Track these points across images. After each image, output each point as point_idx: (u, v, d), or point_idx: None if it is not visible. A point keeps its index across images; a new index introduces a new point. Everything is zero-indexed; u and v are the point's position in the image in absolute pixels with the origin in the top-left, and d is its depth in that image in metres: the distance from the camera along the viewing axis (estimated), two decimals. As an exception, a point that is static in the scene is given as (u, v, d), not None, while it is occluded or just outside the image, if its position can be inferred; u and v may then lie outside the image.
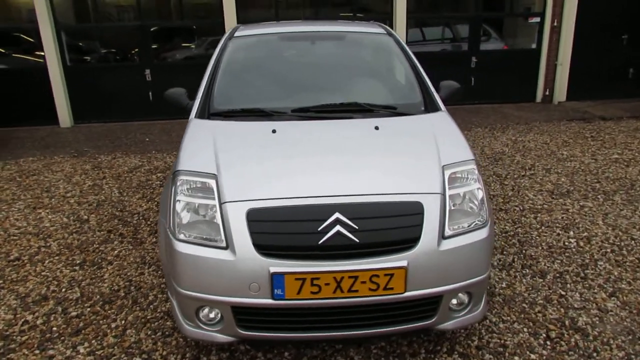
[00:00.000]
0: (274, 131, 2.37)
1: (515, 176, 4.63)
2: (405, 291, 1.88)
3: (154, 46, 7.65)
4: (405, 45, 3.16)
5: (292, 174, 2.07)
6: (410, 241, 1.90)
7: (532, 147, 5.65)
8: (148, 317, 2.53)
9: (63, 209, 4.01)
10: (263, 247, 1.86)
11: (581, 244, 3.24)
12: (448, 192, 2.05)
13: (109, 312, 2.59)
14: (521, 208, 3.86)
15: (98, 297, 2.74)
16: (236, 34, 3.25)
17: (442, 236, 1.95)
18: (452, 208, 2.03)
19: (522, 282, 2.79)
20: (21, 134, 6.84)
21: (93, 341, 2.35)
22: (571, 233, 3.40)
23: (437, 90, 3.01)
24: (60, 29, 7.10)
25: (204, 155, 2.21)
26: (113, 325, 2.48)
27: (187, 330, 2.04)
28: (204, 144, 2.31)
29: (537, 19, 8.20)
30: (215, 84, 2.83)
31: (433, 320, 2.01)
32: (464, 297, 2.05)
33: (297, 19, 7.62)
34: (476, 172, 2.18)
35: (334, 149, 2.23)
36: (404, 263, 1.87)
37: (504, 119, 7.25)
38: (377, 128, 2.40)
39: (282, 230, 1.89)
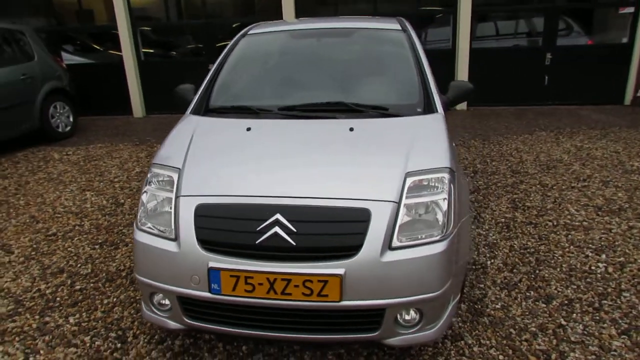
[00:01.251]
0: (248, 129, 2.40)
1: (563, 187, 4.17)
2: (341, 300, 1.81)
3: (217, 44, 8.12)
4: (417, 43, 3.00)
5: (246, 173, 2.09)
6: (350, 249, 1.82)
7: (597, 155, 5.04)
8: (137, 298, 2.71)
9: (106, 193, 4.43)
10: (206, 242, 1.91)
11: (610, 270, 2.84)
12: (405, 201, 1.93)
13: (107, 289, 2.83)
14: (555, 223, 3.48)
15: (104, 274, 2.99)
16: (250, 31, 3.33)
17: (389, 247, 1.84)
18: (410, 218, 1.91)
19: (521, 306, 2.53)
20: (101, 122, 7.64)
21: (84, 314, 2.59)
22: (603, 256, 3.00)
23: (446, 91, 2.84)
24: (135, 29, 7.79)
25: (177, 150, 2.32)
26: (105, 301, 2.70)
27: (144, 313, 2.16)
28: (183, 139, 2.42)
29: (631, 9, 7.25)
30: (217, 81, 2.93)
31: (376, 333, 1.90)
32: (413, 314, 1.92)
33: (360, 14, 7.53)
34: (447, 181, 2.02)
35: (297, 150, 2.21)
36: (340, 271, 1.80)
37: (577, 123, 6.54)
38: (351, 130, 2.32)
39: (224, 227, 1.92)
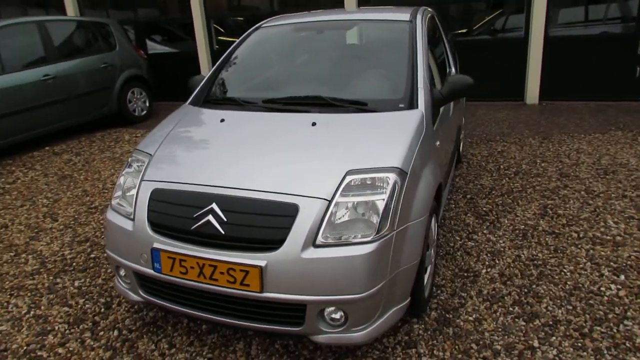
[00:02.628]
0: (222, 120, 2.50)
1: (612, 196, 3.68)
2: (262, 291, 1.85)
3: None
4: (420, 34, 2.84)
5: (200, 162, 2.19)
6: (273, 242, 1.85)
7: (675, 162, 4.34)
8: (135, 270, 2.99)
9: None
10: (154, 224, 2.06)
11: (622, 293, 2.48)
12: (338, 199, 1.89)
13: (116, 259, 3.15)
14: (581, 235, 3.10)
15: (118, 246, 3.33)
16: (265, 24, 3.41)
17: (313, 243, 1.83)
18: (343, 217, 1.87)
19: (497, 321, 2.33)
20: (175, 108, 8.29)
21: (88, 279, 2.92)
22: (621, 278, 2.62)
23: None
24: (209, 18, 8.29)
25: (156, 138, 2.50)
26: (109, 271, 3.01)
27: (115, 285, 2.39)
28: (166, 127, 2.60)
29: None
30: (220, 73, 3.06)
31: (300, 328, 1.91)
32: (339, 314, 1.89)
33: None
34: (390, 182, 1.94)
35: (252, 143, 2.26)
36: (261, 263, 1.83)
37: (667, 123, 5.65)
38: (313, 124, 2.31)
39: (169, 212, 2.05)
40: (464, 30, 7.26)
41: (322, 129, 2.27)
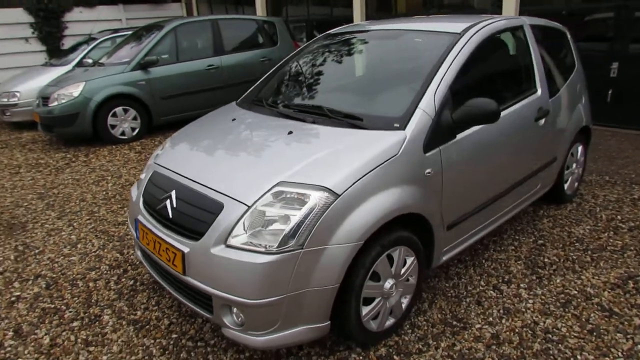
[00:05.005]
0: (233, 119, 2.77)
1: None
2: (184, 274, 2.08)
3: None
4: (456, 50, 2.57)
5: (185, 153, 2.55)
6: (197, 233, 2.06)
7: None
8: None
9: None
10: (144, 200, 2.49)
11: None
12: (258, 206, 1.98)
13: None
14: (646, 323, 2.35)
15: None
16: (332, 31, 3.51)
17: (225, 242, 1.96)
18: (256, 224, 1.95)
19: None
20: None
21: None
22: None
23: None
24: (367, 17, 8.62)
25: (182, 130, 2.93)
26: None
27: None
28: (198, 121, 3.02)
29: None
30: (272, 77, 3.33)
31: (212, 316, 2.08)
32: (237, 312, 1.98)
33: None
34: (312, 199, 1.93)
35: (232, 142, 2.50)
36: (184, 249, 2.07)
37: None
38: (290, 133, 2.38)
39: (151, 191, 2.45)
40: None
41: (292, 139, 2.33)
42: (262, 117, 2.73)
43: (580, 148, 3.79)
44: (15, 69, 9.40)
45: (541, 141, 3.18)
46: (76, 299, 2.77)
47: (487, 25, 2.83)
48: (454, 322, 2.44)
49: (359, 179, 2.02)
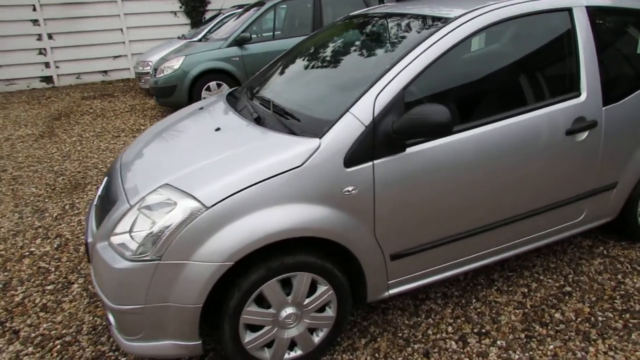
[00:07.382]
0: (200, 108, 2.72)
1: None
2: (89, 262, 2.14)
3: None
4: (440, 34, 2.05)
5: (139, 140, 2.57)
6: (98, 225, 2.07)
7: None
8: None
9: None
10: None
11: None
12: (137, 208, 1.91)
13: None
14: None
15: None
16: (353, 13, 3.11)
17: (107, 238, 1.93)
18: (130, 225, 1.87)
19: None
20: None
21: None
22: None
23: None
24: None
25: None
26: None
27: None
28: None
29: None
30: (271, 69, 3.12)
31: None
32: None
33: None
34: (174, 209, 1.78)
35: (168, 134, 2.47)
36: (89, 238, 2.12)
37: None
38: (217, 130, 2.23)
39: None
40: None
41: (212, 138, 2.17)
42: (220, 110, 2.59)
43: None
44: (163, 40, 10.57)
45: (582, 161, 2.39)
46: (69, 263, 3.09)
47: (498, 9, 2.18)
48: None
49: (240, 191, 1.78)
